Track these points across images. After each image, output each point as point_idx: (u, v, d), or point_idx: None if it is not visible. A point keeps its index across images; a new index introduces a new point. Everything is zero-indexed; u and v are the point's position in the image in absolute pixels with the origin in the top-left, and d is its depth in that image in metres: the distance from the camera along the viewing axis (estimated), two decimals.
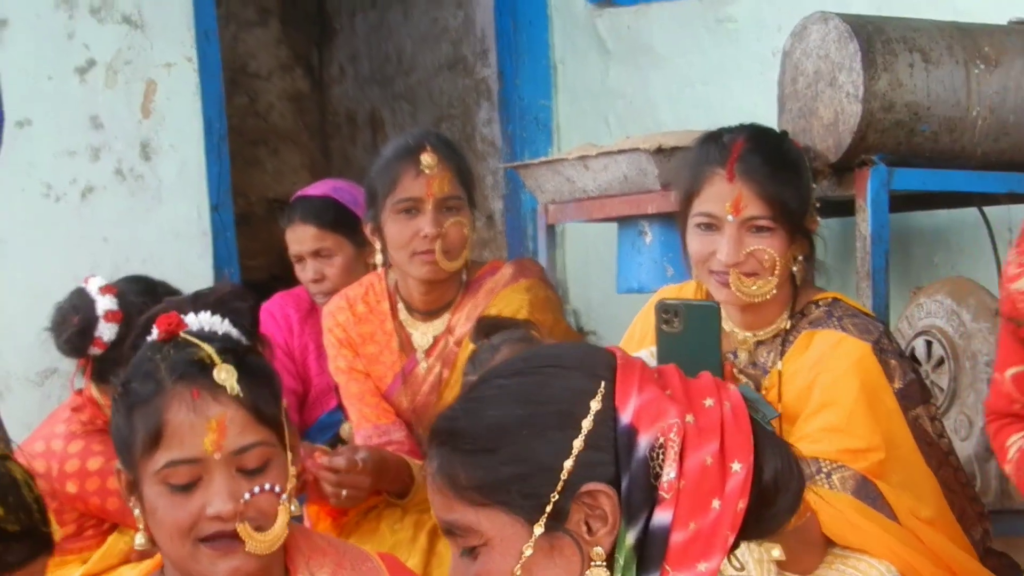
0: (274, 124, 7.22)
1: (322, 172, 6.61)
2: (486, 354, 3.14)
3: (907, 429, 2.88)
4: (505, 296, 3.61)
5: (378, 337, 3.65)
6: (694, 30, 4.95)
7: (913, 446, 2.89)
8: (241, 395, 2.10)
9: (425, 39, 6.50)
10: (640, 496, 1.53)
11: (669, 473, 1.52)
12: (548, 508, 1.52)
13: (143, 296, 3.90)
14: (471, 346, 3.38)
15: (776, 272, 2.86)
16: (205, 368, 2.11)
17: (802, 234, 2.88)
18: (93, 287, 3.86)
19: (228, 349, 2.16)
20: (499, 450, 1.57)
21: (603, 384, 1.58)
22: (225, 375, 2.11)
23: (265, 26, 7.23)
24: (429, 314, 3.63)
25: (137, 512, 2.17)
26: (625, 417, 1.55)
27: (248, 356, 2.20)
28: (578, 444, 1.53)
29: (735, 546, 1.60)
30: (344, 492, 3.03)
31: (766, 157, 2.88)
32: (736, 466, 1.56)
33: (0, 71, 3.07)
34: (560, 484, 1.53)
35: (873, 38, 3.28)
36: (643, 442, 1.54)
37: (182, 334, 2.19)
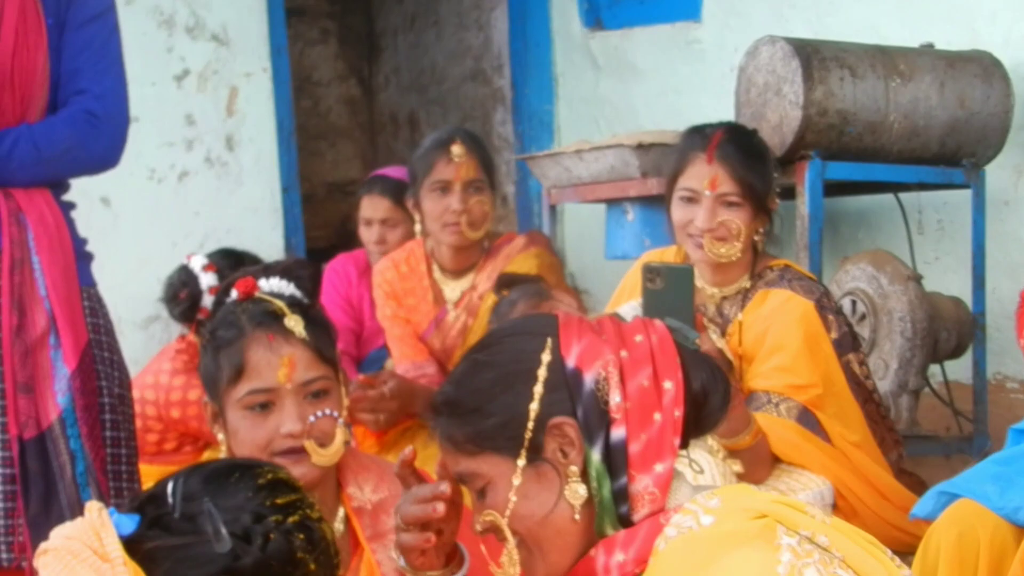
0: (332, 123, 7.21)
1: (371, 162, 6.62)
2: (505, 305, 3.22)
3: (840, 371, 2.93)
4: (519, 260, 3.65)
5: (417, 291, 3.68)
6: (668, 51, 5.08)
7: (844, 384, 2.93)
8: (307, 339, 2.15)
9: (453, 55, 6.57)
10: (595, 420, 1.54)
11: (615, 398, 1.54)
12: (525, 444, 1.54)
13: (234, 268, 3.67)
14: (491, 300, 3.47)
15: (741, 239, 2.90)
16: (278, 318, 2.16)
17: (764, 211, 2.93)
18: (196, 265, 3.97)
19: (295, 304, 2.21)
20: (480, 408, 1.59)
21: (549, 340, 1.59)
22: (294, 323, 2.15)
23: (325, 43, 7.29)
24: (457, 273, 3.65)
25: (221, 436, 2.24)
26: (571, 362, 1.57)
27: (310, 310, 2.24)
28: (538, 390, 1.55)
29: (685, 445, 1.59)
30: (381, 417, 3.07)
31: (739, 147, 2.93)
32: (668, 384, 1.56)
33: None
34: (531, 423, 1.54)
35: (811, 57, 3.37)
36: (588, 378, 1.55)
37: (257, 293, 2.23)
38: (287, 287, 2.26)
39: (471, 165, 3.55)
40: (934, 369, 3.61)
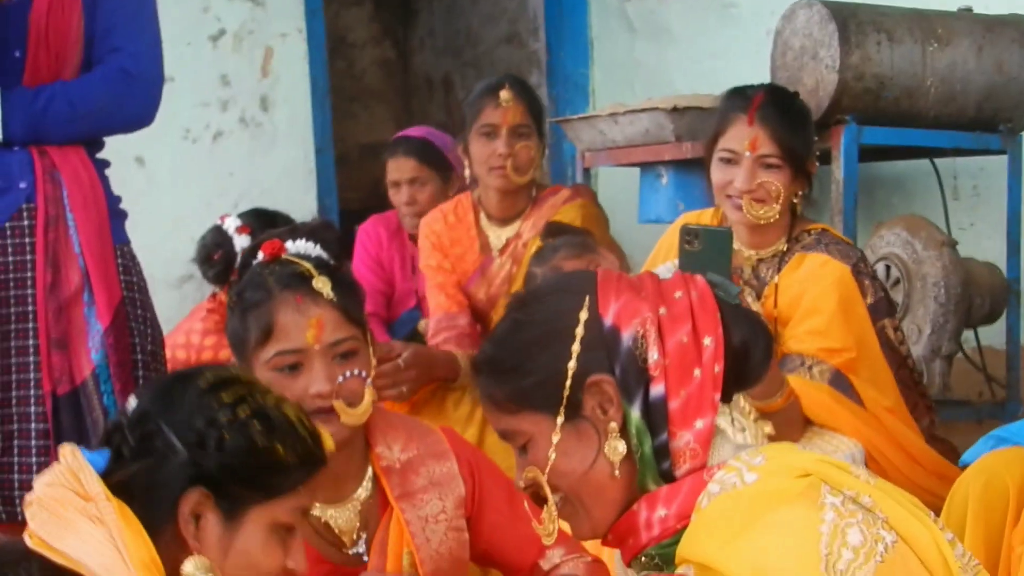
0: (367, 85, 7.19)
1: (405, 124, 6.25)
2: (548, 251, 3.21)
3: (874, 336, 2.92)
4: (564, 210, 3.64)
5: (464, 240, 3.69)
6: (704, 14, 5.10)
7: (878, 349, 2.93)
8: (334, 300, 2.15)
9: (488, 18, 6.56)
10: (633, 378, 1.54)
11: (653, 355, 1.53)
12: (564, 402, 1.55)
13: (268, 229, 3.92)
14: (536, 247, 3.43)
15: (780, 201, 2.89)
16: (305, 279, 2.15)
17: (803, 174, 2.93)
18: (230, 227, 4.01)
19: (322, 265, 2.20)
20: (520, 367, 1.59)
21: (587, 298, 1.59)
22: (321, 284, 2.15)
23: (360, 5, 7.21)
24: (504, 221, 3.66)
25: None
26: (608, 319, 1.57)
27: (337, 272, 2.25)
28: (576, 348, 1.55)
29: (727, 400, 1.60)
30: (404, 388, 3.06)
31: (780, 109, 2.92)
32: (707, 340, 1.56)
33: None
34: (568, 381, 1.55)
35: (848, 21, 3.35)
36: (626, 336, 1.55)
37: (284, 255, 2.23)
38: (313, 249, 2.26)
39: (518, 110, 3.55)
40: (967, 335, 3.61)
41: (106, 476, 1.59)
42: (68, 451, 1.62)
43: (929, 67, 3.44)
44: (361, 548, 2.27)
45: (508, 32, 6.32)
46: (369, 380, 2.18)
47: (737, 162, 2.86)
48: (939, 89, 3.49)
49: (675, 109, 3.71)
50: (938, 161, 3.82)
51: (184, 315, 4.22)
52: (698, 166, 3.30)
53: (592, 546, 2.32)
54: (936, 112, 3.48)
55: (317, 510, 2.21)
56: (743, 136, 2.87)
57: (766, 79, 3.51)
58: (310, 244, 2.24)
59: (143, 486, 1.59)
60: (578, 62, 5.76)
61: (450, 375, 3.37)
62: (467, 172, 3.65)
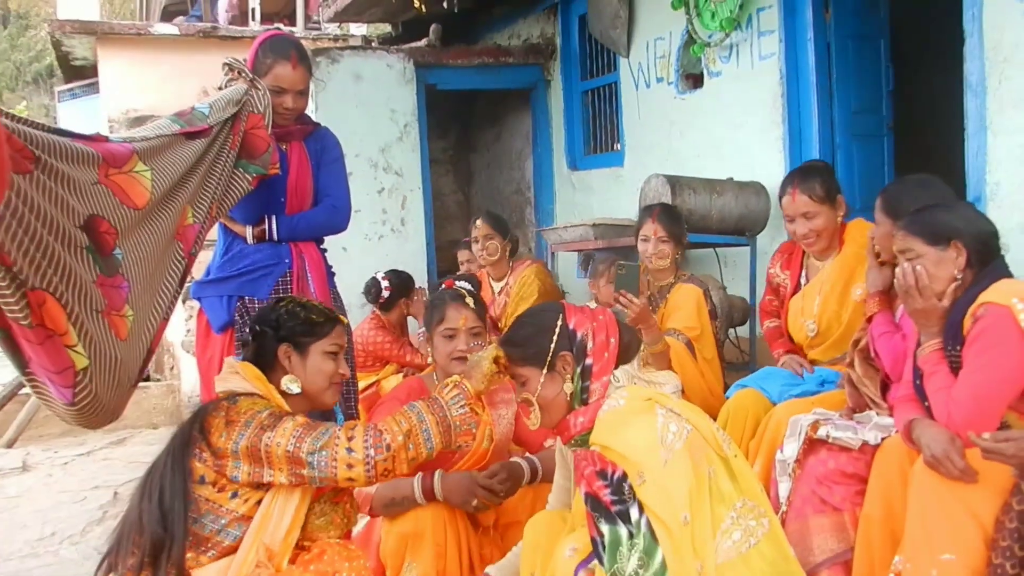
0: (449, 213, 8.62)
1: (466, 234, 6.19)
2: (598, 264, 4.17)
3: (709, 325, 3.65)
4: (527, 271, 4.62)
5: (484, 288, 4.71)
6: (607, 180, 6.70)
7: (709, 332, 3.66)
8: (473, 308, 2.80)
9: (507, 181, 7.84)
10: (579, 354, 2.03)
11: (589, 345, 2.02)
12: (547, 363, 2.01)
13: (400, 279, 5.21)
14: (516, 288, 4.51)
15: (669, 259, 3.61)
16: (462, 296, 2.82)
17: (680, 245, 3.65)
18: (379, 276, 5.14)
19: (470, 292, 2.86)
20: (524, 344, 2.09)
21: (560, 314, 2.05)
22: (469, 300, 2.81)
23: (447, 176, 8.74)
24: (497, 279, 4.73)
25: (428, 351, 2.93)
26: (571, 324, 2.02)
27: (477, 296, 2.88)
28: (555, 337, 2.01)
29: (617, 367, 2.05)
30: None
31: (667, 213, 3.69)
32: (612, 340, 2.04)
33: None
34: (550, 353, 2.02)
35: (675, 184, 4.52)
36: (579, 334, 2.03)
37: (453, 287, 2.88)
38: (466, 284, 2.91)
39: (487, 228, 4.59)
40: (732, 331, 4.64)
41: (247, 357, 2.37)
42: (229, 358, 2.38)
43: (713, 205, 4.63)
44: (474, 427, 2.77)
45: (516, 188, 8.07)
46: (483, 345, 2.66)
47: (648, 240, 3.65)
48: (718, 215, 4.68)
49: (594, 225, 4.95)
50: (719, 250, 5.10)
51: (357, 320, 5.10)
52: (605, 252, 4.35)
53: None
54: (716, 226, 4.66)
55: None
56: (651, 228, 3.67)
57: (636, 210, 4.42)
58: (464, 283, 2.95)
59: (257, 358, 2.37)
60: (547, 201, 7.48)
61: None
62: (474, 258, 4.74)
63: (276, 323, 2.34)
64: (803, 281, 3.41)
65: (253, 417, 2.15)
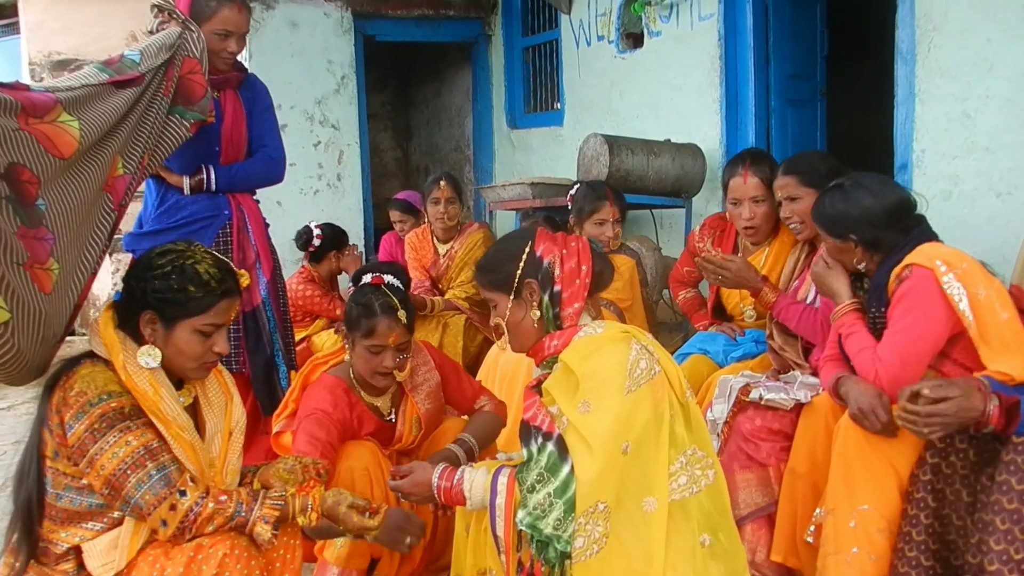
0: (388, 169, 8.45)
1: (404, 189, 7.00)
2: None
3: (640, 292, 3.78)
4: (473, 234, 4.65)
5: (426, 248, 4.71)
6: (547, 139, 6.78)
7: (640, 299, 3.78)
8: (404, 323, 2.64)
9: (447, 138, 7.71)
10: (546, 281, 2.01)
11: (557, 271, 1.99)
12: (513, 290, 2.01)
13: (333, 232, 5.12)
14: (461, 252, 4.48)
15: (616, 235, 3.78)
16: (394, 309, 2.64)
17: (623, 217, 3.80)
18: (312, 227, 5.01)
19: (402, 302, 2.65)
20: (495, 270, 2.08)
21: (529, 241, 2.03)
22: (401, 315, 2.63)
23: (387, 131, 8.53)
24: (444, 241, 4.68)
25: (347, 356, 2.75)
26: (538, 252, 2.00)
27: (408, 303, 2.70)
28: (522, 264, 2.00)
29: (590, 296, 2.02)
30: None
31: (616, 193, 3.74)
32: (584, 267, 2.02)
33: None
34: (516, 280, 2.01)
35: (613, 144, 4.63)
36: (546, 261, 2.01)
37: (382, 285, 2.69)
38: (395, 280, 2.70)
39: (449, 190, 4.55)
40: (666, 291, 4.68)
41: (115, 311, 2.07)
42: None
43: (650, 167, 4.74)
44: (392, 417, 2.77)
45: (455, 145, 8.14)
46: (409, 358, 2.62)
47: (605, 223, 3.74)
48: (655, 177, 4.80)
49: (532, 183, 5.04)
50: (655, 211, 5.28)
51: (290, 273, 4.73)
52: (543, 211, 4.39)
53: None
54: (653, 187, 4.81)
55: (370, 400, 2.63)
56: (609, 211, 3.76)
57: (574, 171, 4.75)
58: (391, 276, 2.71)
59: (124, 313, 2.08)
60: (487, 160, 7.52)
61: (423, 308, 4.15)
62: (426, 217, 4.67)
63: (143, 285, 2.05)
64: None
65: (84, 410, 1.93)
